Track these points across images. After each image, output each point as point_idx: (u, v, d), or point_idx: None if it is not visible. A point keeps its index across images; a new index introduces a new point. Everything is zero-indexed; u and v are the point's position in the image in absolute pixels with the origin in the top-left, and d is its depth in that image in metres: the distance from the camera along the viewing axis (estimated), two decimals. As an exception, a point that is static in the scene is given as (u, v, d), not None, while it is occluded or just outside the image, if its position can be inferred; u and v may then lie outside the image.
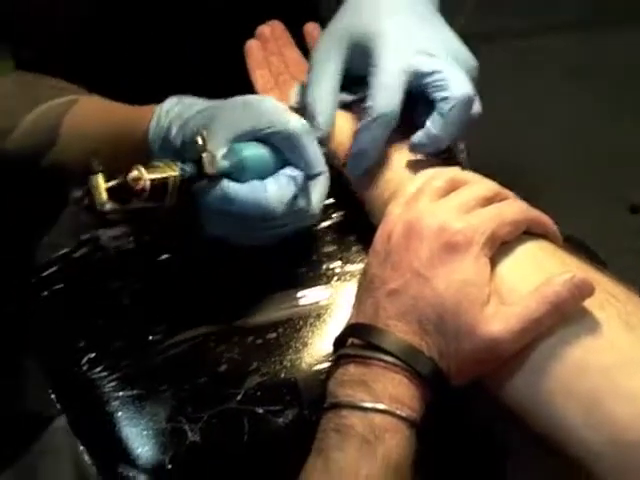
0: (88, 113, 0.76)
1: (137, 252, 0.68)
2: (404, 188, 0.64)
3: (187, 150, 0.61)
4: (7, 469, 0.93)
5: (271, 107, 0.64)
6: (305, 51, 0.82)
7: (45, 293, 0.66)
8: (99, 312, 0.66)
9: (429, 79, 0.66)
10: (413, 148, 0.69)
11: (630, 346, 0.53)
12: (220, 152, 0.60)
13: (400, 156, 0.70)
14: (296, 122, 0.63)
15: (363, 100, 0.69)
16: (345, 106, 0.73)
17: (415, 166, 0.69)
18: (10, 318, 0.68)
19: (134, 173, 0.54)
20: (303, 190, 0.64)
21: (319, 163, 0.65)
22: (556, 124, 2.17)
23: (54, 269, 0.68)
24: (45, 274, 0.68)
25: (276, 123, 0.63)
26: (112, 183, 0.54)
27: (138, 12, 0.85)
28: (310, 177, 0.65)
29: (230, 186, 0.60)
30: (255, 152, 0.62)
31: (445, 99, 0.66)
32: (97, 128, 0.73)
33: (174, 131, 0.64)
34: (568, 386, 0.54)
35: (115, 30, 0.84)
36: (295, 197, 0.63)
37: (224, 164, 0.59)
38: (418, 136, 0.67)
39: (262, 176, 0.62)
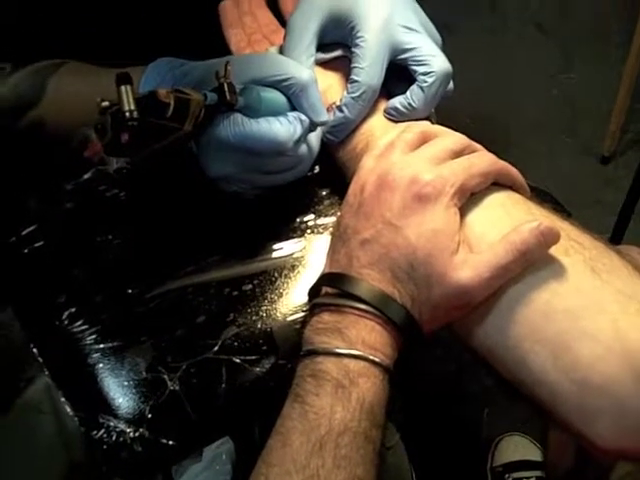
0: (75, 74, 0.77)
1: (116, 207, 0.69)
2: (376, 141, 0.66)
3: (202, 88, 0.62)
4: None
5: (283, 59, 0.68)
6: (276, 11, 0.83)
7: (25, 251, 0.67)
8: (79, 267, 0.67)
9: (410, 53, 0.69)
10: (389, 114, 0.70)
11: (595, 289, 0.55)
12: (237, 90, 0.61)
13: (372, 112, 0.71)
14: (308, 72, 0.66)
15: (337, 59, 0.74)
16: (320, 63, 0.74)
17: (387, 121, 0.70)
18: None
19: (162, 90, 0.55)
20: (305, 138, 0.67)
21: (323, 112, 0.67)
22: (524, 79, 2.20)
23: (34, 227, 0.69)
24: (25, 232, 0.68)
25: (290, 72, 0.65)
26: (142, 93, 0.55)
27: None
28: (313, 125, 0.67)
29: (245, 119, 0.62)
30: (271, 94, 0.64)
31: (427, 74, 0.68)
32: (84, 88, 0.74)
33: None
34: (536, 330, 0.55)
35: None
36: (298, 141, 0.65)
37: (240, 100, 0.61)
38: (396, 102, 0.70)
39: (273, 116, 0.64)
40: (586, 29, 2.31)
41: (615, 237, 1.60)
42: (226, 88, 0.59)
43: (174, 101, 0.56)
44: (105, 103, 0.55)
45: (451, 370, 1.58)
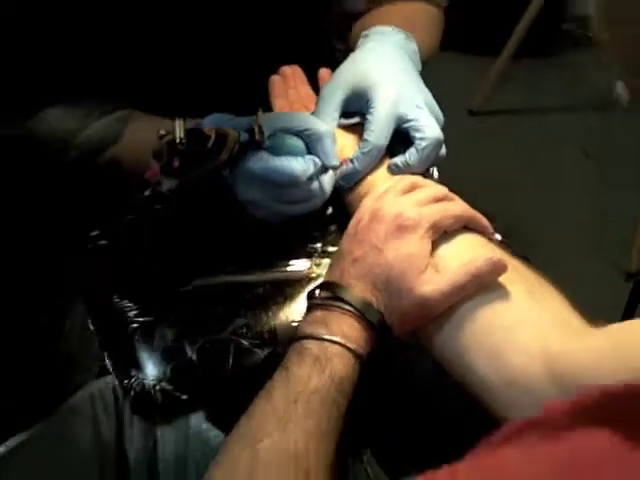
0: (145, 122, 0.96)
1: (165, 219, 0.87)
2: (376, 188, 0.83)
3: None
4: (38, 424, 1.08)
5: (307, 115, 0.88)
6: (316, 89, 1.01)
7: (90, 246, 0.85)
8: (131, 262, 0.85)
9: (411, 123, 0.86)
10: (391, 168, 0.87)
11: (530, 311, 0.70)
12: (266, 134, 0.79)
13: (377, 167, 0.88)
14: (325, 126, 0.85)
15: (356, 125, 0.90)
16: (341, 127, 0.92)
17: (388, 174, 0.87)
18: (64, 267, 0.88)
19: (207, 126, 0.73)
20: (318, 177, 0.84)
21: (334, 158, 0.85)
22: (559, 189, 2.35)
23: (99, 231, 0.87)
24: (93, 234, 0.86)
25: (311, 125, 0.84)
26: (190, 126, 0.73)
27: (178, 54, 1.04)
28: (325, 169, 0.85)
29: (270, 156, 0.80)
30: (292, 140, 0.83)
31: (422, 139, 0.85)
32: (151, 133, 0.92)
33: None
34: (479, 340, 0.70)
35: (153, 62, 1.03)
36: (311, 178, 0.83)
37: (267, 141, 0.79)
38: (397, 160, 0.86)
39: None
40: (625, 152, 2.44)
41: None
42: (256, 130, 0.77)
43: (215, 135, 0.73)
44: (162, 132, 0.73)
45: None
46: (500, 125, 2.59)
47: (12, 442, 1.00)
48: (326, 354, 0.69)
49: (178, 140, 0.71)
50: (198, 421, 0.98)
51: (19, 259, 1.03)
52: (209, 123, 0.85)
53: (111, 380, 1.03)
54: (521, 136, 2.56)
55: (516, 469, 0.40)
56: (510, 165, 2.39)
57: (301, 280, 0.83)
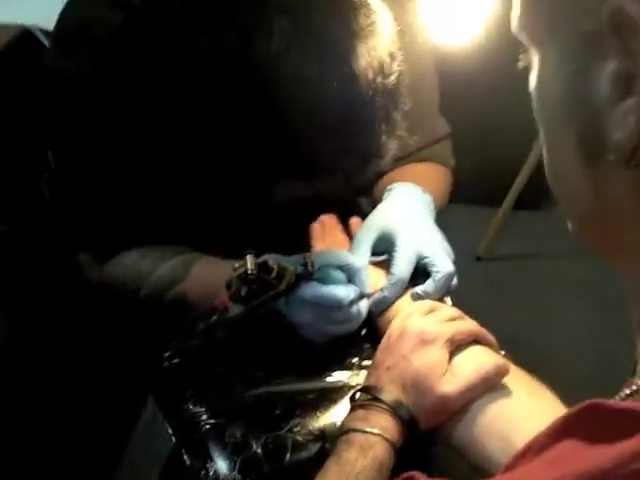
0: (209, 264, 1.16)
1: (229, 340, 1.05)
2: (402, 311, 1.01)
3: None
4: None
5: (347, 253, 1.06)
6: (349, 234, 1.21)
7: (165, 364, 1.02)
8: (200, 375, 1.02)
9: (428, 259, 1.06)
10: (413, 296, 1.06)
11: (529, 404, 0.87)
12: (316, 267, 0.98)
13: (402, 295, 1.07)
14: (361, 261, 1.04)
15: (383, 262, 1.09)
16: (371, 263, 1.11)
17: (411, 300, 1.06)
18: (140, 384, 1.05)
19: (271, 261, 0.92)
20: (357, 303, 1.02)
21: (368, 287, 1.04)
22: (556, 333, 2.52)
23: (171, 352, 1.05)
24: (166, 355, 1.04)
25: (350, 261, 1.03)
26: (259, 260, 0.91)
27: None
28: (362, 296, 1.03)
29: (318, 285, 0.99)
30: (335, 272, 1.02)
31: (437, 272, 1.04)
32: (214, 273, 1.11)
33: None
34: (489, 430, 0.87)
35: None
36: (351, 303, 1.01)
37: (316, 273, 0.98)
38: (418, 289, 1.05)
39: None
40: (617, 297, 2.61)
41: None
42: (309, 264, 0.96)
43: (277, 267, 0.93)
44: (236, 265, 0.92)
45: None
46: (503, 269, 2.80)
47: None
48: (369, 443, 0.85)
49: (250, 272, 0.89)
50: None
51: (99, 378, 1.21)
52: (270, 259, 1.05)
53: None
54: (520, 279, 2.76)
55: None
56: (510, 303, 2.59)
57: (343, 387, 1.00)
